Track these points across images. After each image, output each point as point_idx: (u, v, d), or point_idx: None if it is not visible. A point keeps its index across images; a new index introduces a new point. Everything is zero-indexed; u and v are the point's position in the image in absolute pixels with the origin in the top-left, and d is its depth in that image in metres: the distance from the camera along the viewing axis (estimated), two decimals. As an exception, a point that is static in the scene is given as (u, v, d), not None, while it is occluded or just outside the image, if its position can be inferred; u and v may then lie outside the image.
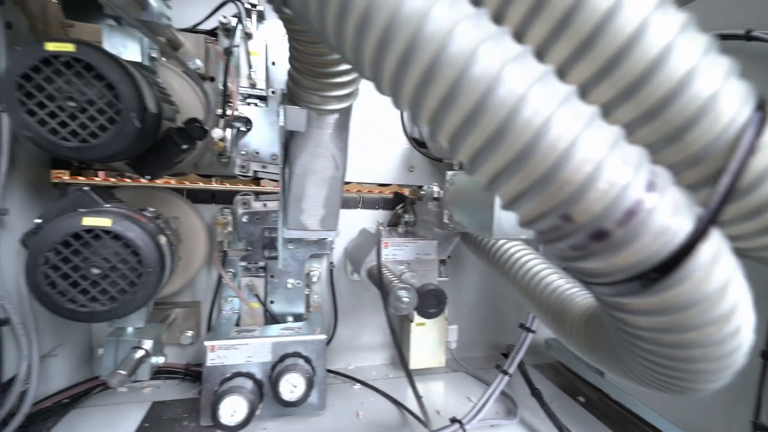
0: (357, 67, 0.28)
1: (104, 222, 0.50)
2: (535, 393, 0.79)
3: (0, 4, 0.53)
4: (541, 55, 0.28)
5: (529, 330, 0.72)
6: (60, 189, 0.76)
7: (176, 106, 0.71)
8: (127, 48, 0.63)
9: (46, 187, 0.72)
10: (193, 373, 0.89)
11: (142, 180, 0.81)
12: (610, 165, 0.22)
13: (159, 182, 0.86)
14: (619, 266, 0.24)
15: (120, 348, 0.67)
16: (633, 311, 0.26)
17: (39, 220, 0.55)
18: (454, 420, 0.71)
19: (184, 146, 0.63)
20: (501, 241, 0.68)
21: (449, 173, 0.71)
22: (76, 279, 0.49)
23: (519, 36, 0.29)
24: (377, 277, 0.67)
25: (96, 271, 0.50)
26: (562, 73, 0.27)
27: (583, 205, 0.22)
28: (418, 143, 0.96)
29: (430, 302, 0.64)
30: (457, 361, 1.01)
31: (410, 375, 0.63)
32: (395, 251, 0.77)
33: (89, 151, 0.49)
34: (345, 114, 0.64)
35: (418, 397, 0.64)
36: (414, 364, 0.98)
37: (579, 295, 0.51)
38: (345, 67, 0.53)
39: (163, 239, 0.56)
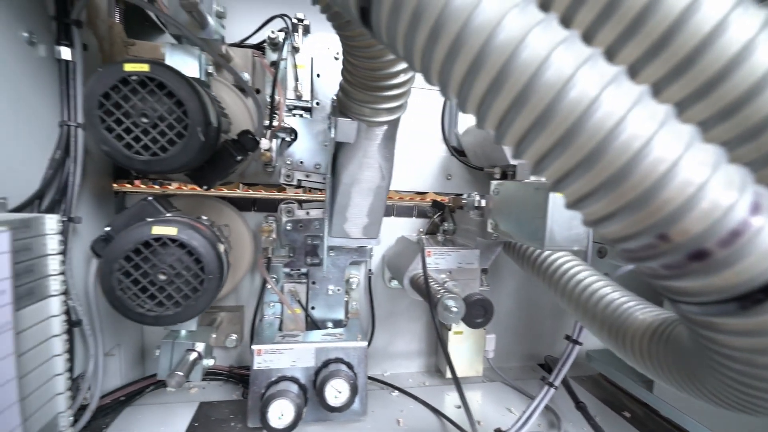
0: (444, 77, 0.28)
1: (171, 231, 0.52)
2: (580, 406, 0.78)
3: (79, 27, 0.57)
4: (611, 56, 0.28)
5: (576, 342, 0.71)
6: (119, 197, 0.81)
7: (229, 119, 0.74)
8: (187, 65, 0.66)
9: (108, 195, 0.76)
10: (236, 375, 0.92)
11: (197, 188, 0.85)
12: (714, 185, 0.22)
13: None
14: (718, 287, 0.23)
15: (175, 350, 0.70)
16: (727, 331, 0.26)
17: (108, 228, 0.59)
18: (498, 431, 0.70)
19: (239, 157, 0.66)
20: (548, 252, 0.67)
21: (494, 183, 0.70)
22: (145, 285, 0.52)
23: (587, 38, 0.29)
24: (424, 287, 0.68)
25: (162, 277, 0.53)
26: (632, 73, 0.27)
27: (684, 225, 0.22)
28: (456, 151, 0.96)
29: (477, 312, 0.64)
30: (495, 371, 1.00)
31: (459, 385, 0.63)
32: (437, 260, 0.77)
33: (158, 164, 0.52)
34: (393, 125, 0.65)
35: (467, 409, 0.64)
36: (450, 373, 0.97)
37: (638, 310, 0.50)
38: (398, 80, 0.55)
39: (221, 247, 0.59)
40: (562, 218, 0.54)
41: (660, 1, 0.25)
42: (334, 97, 0.66)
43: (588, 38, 0.29)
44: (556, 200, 0.53)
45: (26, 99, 0.54)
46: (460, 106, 0.29)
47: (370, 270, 0.97)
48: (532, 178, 0.61)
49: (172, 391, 0.87)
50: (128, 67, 0.49)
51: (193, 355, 0.68)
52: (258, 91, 0.88)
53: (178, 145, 0.52)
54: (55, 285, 0.44)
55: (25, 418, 0.39)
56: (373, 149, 0.67)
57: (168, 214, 0.62)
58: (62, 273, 0.45)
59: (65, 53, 0.57)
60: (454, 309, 0.60)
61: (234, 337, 0.90)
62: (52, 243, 0.43)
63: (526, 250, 0.73)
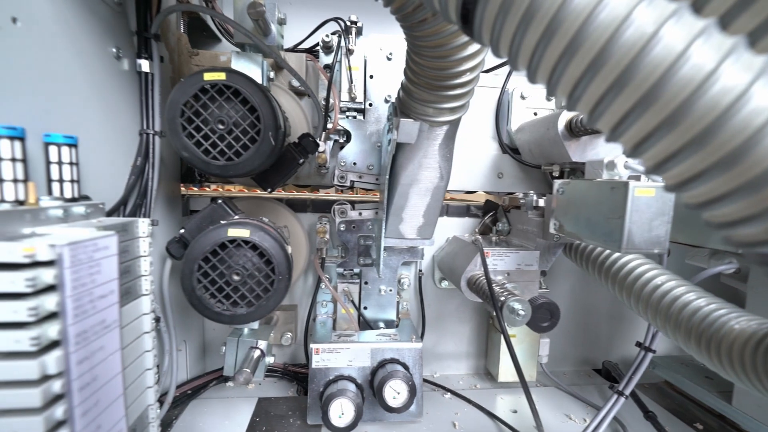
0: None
1: (244, 233, 0.54)
2: (650, 416, 0.73)
3: (157, 41, 0.61)
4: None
5: (648, 349, 0.67)
6: (184, 200, 0.85)
7: (289, 123, 0.76)
8: (251, 71, 0.68)
9: (176, 199, 0.80)
10: (291, 372, 0.94)
11: (256, 191, 0.88)
12: None
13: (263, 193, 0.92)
14: None
15: (240, 347, 0.72)
16: None
17: (182, 231, 0.62)
18: (565, 440, 0.67)
19: (301, 160, 0.67)
20: (618, 255, 0.64)
21: (559, 182, 0.68)
22: (222, 285, 0.54)
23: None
24: (484, 289, 0.67)
25: (237, 277, 0.54)
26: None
27: None
28: (509, 149, 0.94)
29: (543, 316, 0.62)
30: (549, 376, 0.97)
31: (527, 389, 0.61)
32: (495, 261, 0.75)
33: (233, 168, 0.54)
34: (455, 125, 0.64)
35: (535, 413, 0.62)
36: (502, 376, 0.95)
37: (733, 319, 0.46)
38: (463, 79, 0.54)
39: (289, 248, 0.60)
40: (641, 219, 0.51)
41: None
42: (393, 100, 0.66)
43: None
44: (636, 200, 0.51)
45: (112, 109, 0.57)
46: (571, 105, 0.28)
47: (420, 270, 0.97)
48: (605, 176, 0.58)
49: (231, 387, 0.91)
50: (208, 76, 0.51)
51: (257, 353, 0.70)
52: (309, 96, 0.90)
53: (251, 149, 0.54)
54: (146, 284, 0.47)
55: (126, 409, 0.41)
56: (434, 149, 0.66)
57: (236, 216, 0.64)
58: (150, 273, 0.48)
59: (145, 65, 0.61)
60: (522, 312, 0.59)
61: (289, 335, 0.92)
62: (144, 245, 0.46)
63: (592, 252, 0.70)
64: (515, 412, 0.86)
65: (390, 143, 0.66)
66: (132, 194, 0.59)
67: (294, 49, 0.90)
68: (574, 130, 0.69)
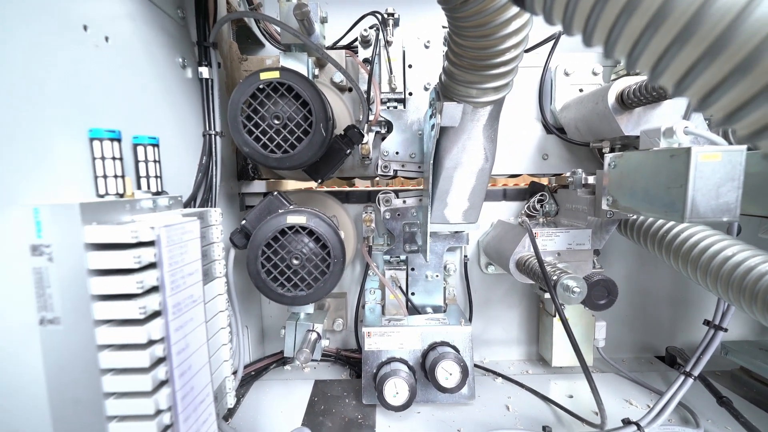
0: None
1: (301, 219, 0.58)
2: (724, 401, 0.69)
3: (215, 49, 0.66)
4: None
5: (719, 328, 0.63)
6: (240, 196, 0.91)
7: (335, 117, 0.79)
8: (298, 69, 0.72)
9: (234, 194, 0.86)
10: (343, 357, 0.98)
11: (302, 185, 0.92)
12: None
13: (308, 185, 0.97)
14: None
15: (297, 330, 0.77)
16: None
17: (243, 222, 0.67)
18: (628, 422, 0.65)
19: (348, 151, 0.70)
20: (681, 227, 0.61)
21: (610, 155, 0.66)
22: (283, 268, 0.58)
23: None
24: (535, 269, 0.66)
25: (296, 261, 0.58)
26: None
27: None
28: (555, 128, 0.91)
29: (599, 293, 0.61)
30: (607, 361, 0.93)
31: (588, 372, 0.61)
32: (545, 241, 0.74)
33: (288, 160, 0.58)
34: (498, 105, 0.64)
35: (597, 395, 0.61)
36: (556, 361, 0.93)
37: (817, 286, 0.43)
38: (508, 56, 0.54)
39: (342, 234, 0.63)
40: (707, 186, 0.49)
41: None
42: (435, 85, 0.67)
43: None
44: (700, 165, 0.48)
45: (180, 114, 0.63)
46: (631, 64, 0.28)
47: (466, 256, 0.97)
48: (663, 145, 0.56)
49: (289, 370, 0.97)
50: (263, 76, 0.55)
51: (314, 335, 0.75)
52: (350, 90, 0.93)
53: (305, 141, 0.57)
54: (219, 267, 0.52)
55: (211, 376, 0.46)
56: (478, 131, 0.66)
57: (291, 207, 0.68)
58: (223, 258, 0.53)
59: (206, 72, 0.66)
60: (577, 289, 0.58)
61: (340, 321, 0.96)
62: (216, 232, 0.51)
63: (651, 226, 0.67)
64: (571, 397, 0.84)
65: (433, 128, 0.67)
66: (200, 190, 0.65)
67: (333, 47, 0.94)
68: (626, 102, 0.67)
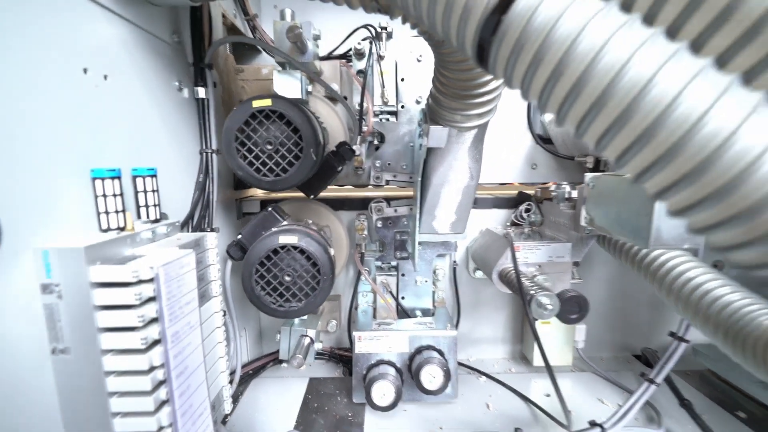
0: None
1: (292, 239, 0.61)
2: (685, 404, 0.74)
3: (210, 70, 0.68)
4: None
5: (682, 339, 0.68)
6: (238, 203, 0.94)
7: (326, 131, 0.81)
8: (292, 86, 0.73)
9: (231, 203, 0.89)
10: (336, 355, 1.04)
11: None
12: None
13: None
14: None
15: (292, 335, 0.81)
16: None
17: (240, 236, 0.70)
18: (594, 424, 0.71)
19: (339, 168, 0.73)
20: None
21: (589, 176, 0.69)
22: (276, 285, 0.62)
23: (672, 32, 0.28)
24: (515, 283, 0.70)
25: (288, 278, 0.62)
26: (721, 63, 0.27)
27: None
28: (542, 139, 0.94)
29: (572, 309, 0.65)
30: (586, 361, 0.99)
31: (552, 374, 0.65)
32: (527, 254, 0.78)
33: (281, 183, 0.61)
34: (483, 128, 0.67)
35: (560, 396, 0.66)
36: (537, 361, 0.99)
37: (763, 314, 0.47)
38: (490, 87, 0.56)
39: (331, 251, 0.67)
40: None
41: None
42: (424, 106, 0.70)
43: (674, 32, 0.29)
44: (665, 200, 0.51)
45: (177, 134, 0.66)
46: (578, 137, 0.31)
47: (455, 261, 1.01)
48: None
49: (286, 368, 1.02)
50: (256, 104, 0.57)
51: (307, 340, 0.79)
52: (345, 98, 0.95)
53: (296, 165, 0.60)
54: (215, 288, 0.55)
55: (208, 391, 0.50)
56: (463, 152, 0.69)
57: (284, 222, 0.71)
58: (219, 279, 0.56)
59: (202, 92, 0.68)
60: (550, 306, 0.62)
61: (334, 323, 1.01)
62: (212, 255, 0.54)
63: (624, 244, 0.71)
64: (548, 396, 0.90)
65: (421, 147, 0.70)
66: (197, 207, 0.68)
67: (328, 57, 0.95)
68: (605, 125, 0.69)
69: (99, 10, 0.47)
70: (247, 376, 0.94)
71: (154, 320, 0.41)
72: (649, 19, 0.29)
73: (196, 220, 0.67)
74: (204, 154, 0.71)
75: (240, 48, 0.96)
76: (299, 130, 0.58)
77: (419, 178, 0.74)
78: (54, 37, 0.41)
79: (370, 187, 0.98)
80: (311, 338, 0.82)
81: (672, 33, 0.27)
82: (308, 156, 0.60)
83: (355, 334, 0.85)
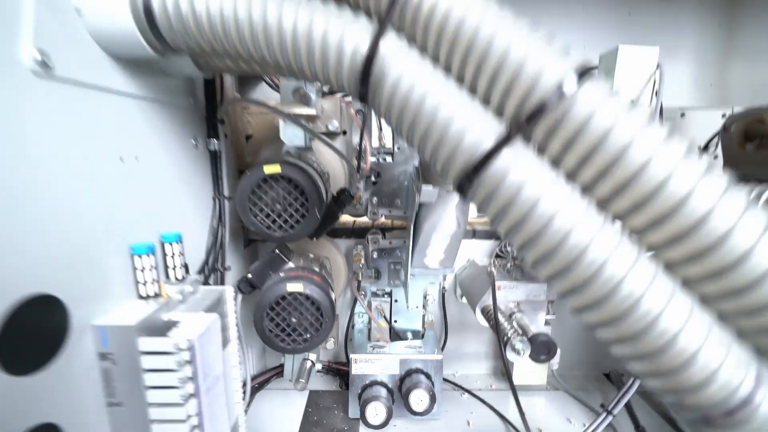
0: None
1: (299, 287, 0.70)
2: (640, 430, 0.85)
3: (222, 124, 0.75)
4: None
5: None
6: (244, 231, 1.02)
7: (328, 173, 0.89)
8: (296, 136, 0.81)
9: (239, 236, 0.97)
10: (334, 369, 1.13)
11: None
12: (727, 366, 0.30)
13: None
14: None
15: (295, 358, 0.91)
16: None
17: (249, 275, 0.79)
18: (559, 445, 0.81)
19: (340, 213, 0.81)
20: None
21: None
22: (284, 326, 0.71)
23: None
24: (494, 323, 0.79)
25: (294, 320, 0.71)
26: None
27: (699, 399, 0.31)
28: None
29: (542, 351, 0.74)
30: (558, 381, 1.09)
31: (516, 395, 0.75)
32: (507, 292, 0.87)
33: (288, 237, 0.69)
34: (469, 188, 0.75)
35: (524, 420, 0.76)
36: (518, 380, 1.09)
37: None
38: (475, 162, 0.64)
39: (333, 295, 0.75)
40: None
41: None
42: (417, 165, 0.77)
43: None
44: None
45: (192, 184, 0.73)
46: (532, 267, 0.39)
47: (444, 287, 1.10)
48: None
49: (289, 380, 1.12)
50: (267, 170, 0.65)
51: (309, 364, 0.89)
52: (344, 133, 1.02)
53: (302, 222, 0.68)
54: (233, 332, 0.64)
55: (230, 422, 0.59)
56: (452, 207, 0.77)
57: (290, 263, 0.80)
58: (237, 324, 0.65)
59: (214, 144, 0.75)
60: (522, 350, 0.71)
61: (332, 341, 1.10)
62: (231, 306, 0.63)
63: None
64: (523, 413, 1.00)
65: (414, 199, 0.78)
66: (212, 251, 0.76)
67: (330, 92, 1.01)
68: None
69: (131, 101, 0.54)
70: (253, 389, 1.03)
71: (189, 378, 0.49)
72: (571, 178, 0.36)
73: (211, 264, 0.75)
74: (216, 199, 0.78)
75: (244, 80, 1.02)
76: (305, 192, 0.66)
77: (412, 224, 0.82)
78: (99, 133, 0.48)
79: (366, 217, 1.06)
80: (312, 361, 0.91)
81: (602, 206, 0.35)
82: (313, 214, 0.67)
83: (352, 356, 0.94)
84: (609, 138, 0.32)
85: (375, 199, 0.99)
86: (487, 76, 0.36)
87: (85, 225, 0.45)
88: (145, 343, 0.46)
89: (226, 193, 0.78)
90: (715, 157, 0.94)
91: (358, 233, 1.08)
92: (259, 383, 1.05)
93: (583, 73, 0.32)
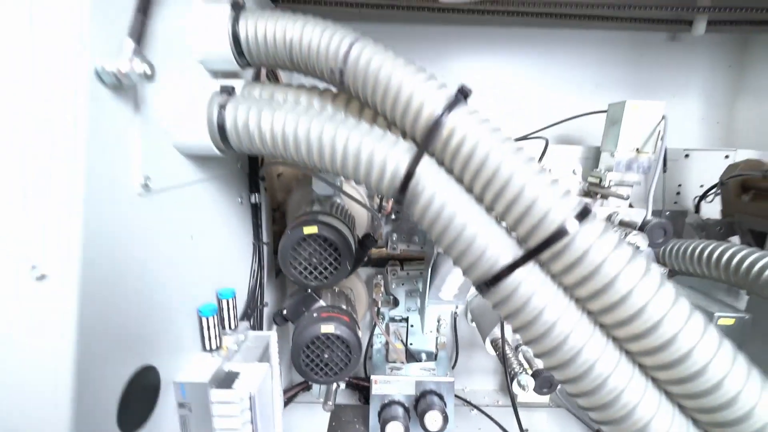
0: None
1: (331, 329, 0.79)
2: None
3: (263, 181, 0.83)
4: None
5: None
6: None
7: (353, 217, 0.98)
8: (326, 188, 0.90)
9: (272, 272, 1.07)
10: (353, 383, 1.24)
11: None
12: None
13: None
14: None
15: (322, 379, 1.01)
16: None
17: (284, 311, 0.89)
18: (558, 465, 0.91)
19: (365, 258, 0.90)
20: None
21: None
22: (318, 362, 0.81)
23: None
24: (501, 358, 0.88)
25: (326, 356, 0.81)
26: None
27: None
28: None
29: (544, 385, 0.83)
30: (560, 398, 1.19)
31: (518, 416, 0.85)
32: (514, 327, 0.96)
33: (323, 285, 0.78)
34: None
35: None
36: (521, 397, 1.19)
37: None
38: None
39: (359, 331, 0.85)
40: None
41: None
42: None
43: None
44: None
45: (236, 232, 0.82)
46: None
47: (455, 312, 1.19)
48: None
49: (314, 395, 1.23)
50: (306, 231, 0.74)
51: (335, 386, 0.99)
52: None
53: (335, 274, 0.77)
54: (276, 369, 0.74)
55: (272, 448, 0.70)
56: (466, 256, 0.86)
57: (321, 301, 0.90)
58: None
59: (255, 198, 0.84)
60: (527, 385, 0.80)
61: (353, 359, 1.21)
62: (274, 347, 0.73)
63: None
64: (527, 430, 1.10)
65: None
66: (254, 293, 0.86)
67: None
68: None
69: (197, 185, 0.63)
70: (284, 402, 1.14)
71: (249, 421, 0.59)
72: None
73: (252, 302, 0.85)
74: (256, 245, 0.88)
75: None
76: (338, 249, 0.75)
77: (430, 267, 0.91)
78: (176, 217, 0.57)
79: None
80: (338, 383, 1.01)
81: (591, 317, 0.43)
82: (344, 266, 0.77)
83: (372, 377, 1.05)
84: (601, 269, 0.40)
85: (395, 236, 1.08)
86: (504, 203, 0.44)
87: (168, 297, 0.55)
88: (216, 394, 0.56)
89: (265, 239, 0.88)
90: (710, 201, 1.01)
91: (378, 263, 1.17)
92: (288, 398, 1.16)
93: (583, 214, 0.41)
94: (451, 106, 0.46)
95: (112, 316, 0.43)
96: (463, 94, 0.47)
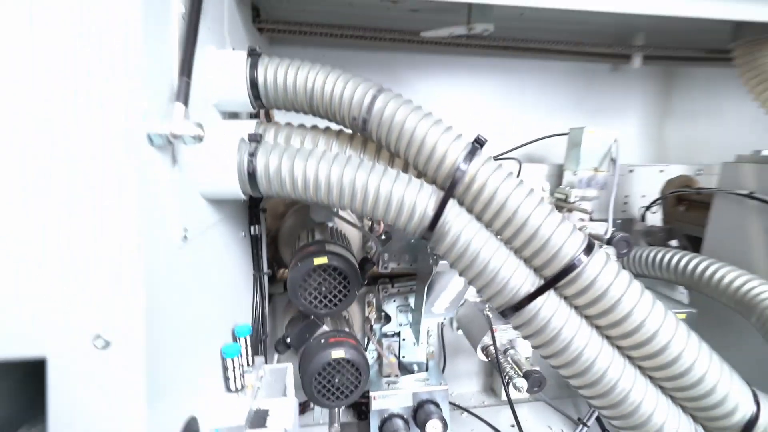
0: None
1: (341, 353, 0.82)
2: (606, 434, 1.07)
3: (264, 213, 0.84)
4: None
5: (605, 398, 0.99)
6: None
7: (349, 240, 1.01)
8: (324, 213, 0.92)
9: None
10: (348, 400, 1.26)
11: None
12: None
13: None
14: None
15: (324, 401, 1.02)
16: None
17: (288, 338, 0.90)
18: (547, 455, 1.01)
19: (364, 281, 0.94)
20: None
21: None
22: (329, 387, 0.83)
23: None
24: (495, 362, 0.97)
25: (337, 380, 0.83)
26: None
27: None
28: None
29: (535, 385, 0.93)
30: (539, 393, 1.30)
31: (515, 414, 0.93)
32: (502, 334, 1.05)
33: (332, 313, 0.81)
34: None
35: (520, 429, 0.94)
36: (501, 397, 1.29)
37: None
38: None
39: (367, 355, 0.88)
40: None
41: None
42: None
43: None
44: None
45: (240, 265, 0.82)
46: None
47: (442, 323, 1.26)
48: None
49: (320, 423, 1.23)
50: (316, 261, 0.76)
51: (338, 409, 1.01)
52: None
53: (343, 301, 0.80)
54: (291, 391, 0.75)
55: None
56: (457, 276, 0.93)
57: (324, 326, 0.92)
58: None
59: (255, 230, 0.85)
60: (521, 387, 0.89)
61: (347, 376, 1.23)
62: (290, 380, 0.74)
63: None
64: (513, 426, 1.20)
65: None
66: (259, 322, 0.86)
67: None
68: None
69: (215, 227, 0.63)
70: (281, 428, 1.14)
71: (282, 454, 0.61)
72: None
73: (257, 329, 0.85)
74: (256, 275, 0.88)
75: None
76: (347, 277, 0.78)
77: (426, 285, 0.97)
78: (199, 260, 0.57)
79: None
80: (339, 403, 1.03)
81: (600, 331, 0.52)
82: (353, 293, 0.80)
83: (371, 393, 1.08)
84: (608, 293, 0.48)
85: (386, 255, 1.12)
86: (523, 239, 0.51)
87: (197, 342, 0.55)
88: (250, 435, 0.57)
89: (265, 269, 0.88)
90: (654, 212, 1.18)
91: (368, 281, 1.20)
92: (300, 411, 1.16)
93: (590, 248, 0.48)
94: (471, 155, 0.52)
95: (168, 372, 0.43)
96: (479, 143, 0.53)
